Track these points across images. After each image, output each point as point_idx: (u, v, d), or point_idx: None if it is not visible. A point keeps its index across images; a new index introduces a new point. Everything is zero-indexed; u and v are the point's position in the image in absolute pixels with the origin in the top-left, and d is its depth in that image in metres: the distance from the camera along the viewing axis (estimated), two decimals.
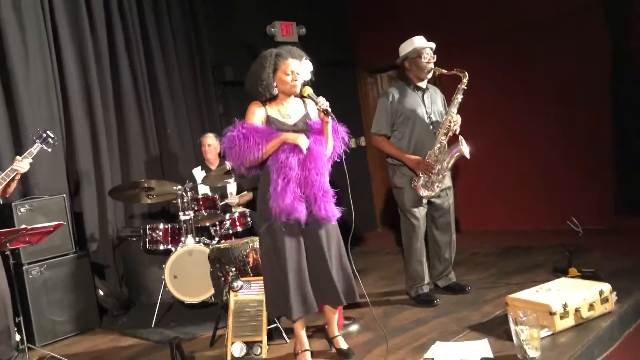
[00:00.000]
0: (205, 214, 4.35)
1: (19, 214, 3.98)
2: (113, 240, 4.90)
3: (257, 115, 2.93)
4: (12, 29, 4.36)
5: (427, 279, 3.81)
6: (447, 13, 6.14)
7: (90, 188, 4.80)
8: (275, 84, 2.93)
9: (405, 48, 3.75)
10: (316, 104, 2.88)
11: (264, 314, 3.20)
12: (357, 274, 2.96)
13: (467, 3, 5.98)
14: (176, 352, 2.90)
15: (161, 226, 4.44)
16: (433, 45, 3.76)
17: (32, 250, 3.98)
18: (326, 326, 3.10)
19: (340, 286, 2.87)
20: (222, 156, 4.94)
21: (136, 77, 5.17)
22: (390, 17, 6.44)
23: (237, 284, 3.30)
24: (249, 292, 3.31)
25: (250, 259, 3.37)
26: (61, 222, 3.38)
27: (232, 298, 3.29)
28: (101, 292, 4.42)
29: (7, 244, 3.22)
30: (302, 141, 2.81)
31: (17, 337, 3.67)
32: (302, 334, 3.02)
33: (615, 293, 3.11)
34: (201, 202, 4.35)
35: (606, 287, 3.03)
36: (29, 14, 4.45)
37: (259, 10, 6.12)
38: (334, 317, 3.06)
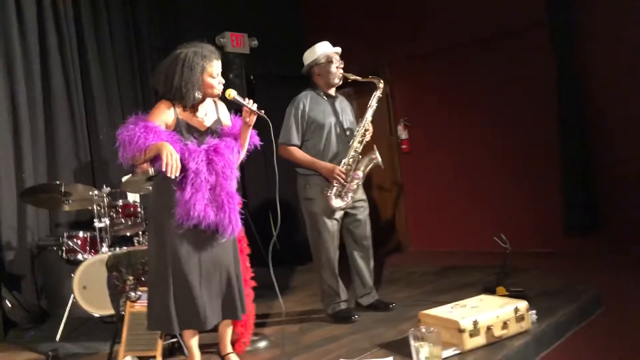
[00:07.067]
0: (124, 222, 4.11)
1: None
2: (32, 249, 4.63)
3: (165, 116, 2.67)
4: None
5: (343, 296, 3.60)
6: (392, 31, 6.11)
7: (10, 193, 4.55)
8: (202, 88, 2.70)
9: (313, 54, 3.60)
10: (244, 106, 2.70)
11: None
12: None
13: (411, 21, 5.95)
14: None
15: (81, 234, 4.20)
16: (339, 50, 3.63)
17: None
18: (219, 343, 2.88)
19: (224, 301, 2.70)
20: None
21: (68, 80, 4.97)
22: (343, 34, 6.34)
23: (135, 294, 3.06)
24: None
25: None
26: None
27: (128, 309, 3.05)
28: (8, 304, 4.13)
29: None
30: (171, 161, 2.45)
31: None
32: (193, 344, 2.79)
33: (534, 312, 2.94)
34: (120, 210, 4.12)
35: (522, 304, 2.85)
36: None
37: (208, 20, 5.99)
38: (226, 332, 2.85)
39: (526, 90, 5.21)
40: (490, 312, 2.76)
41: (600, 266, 4.33)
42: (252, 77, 6.29)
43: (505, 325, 2.76)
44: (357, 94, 6.00)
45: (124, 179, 4.71)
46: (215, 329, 2.81)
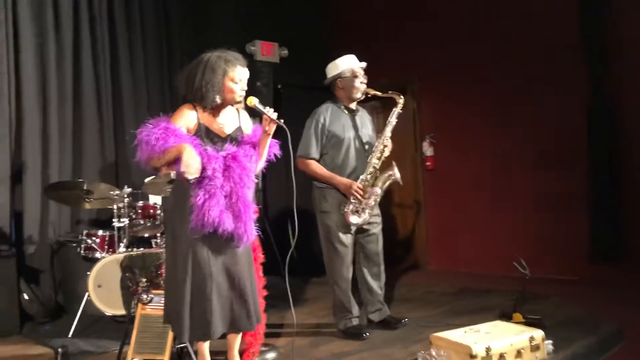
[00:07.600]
0: (143, 224, 4.13)
1: None
2: (53, 244, 4.69)
3: (187, 119, 2.68)
4: None
5: (355, 312, 3.55)
6: (423, 45, 6.10)
7: (35, 188, 4.62)
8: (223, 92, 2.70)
9: (338, 67, 3.58)
10: (264, 114, 2.69)
11: (171, 332, 2.96)
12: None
13: (442, 36, 5.92)
14: None
15: (99, 233, 4.26)
16: (365, 64, 3.61)
17: None
18: (227, 352, 2.85)
19: (238, 311, 2.66)
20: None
21: (99, 80, 5.06)
22: (373, 47, 6.31)
23: (147, 296, 3.06)
24: (159, 306, 3.06)
25: (164, 270, 3.13)
26: None
27: (139, 311, 3.05)
28: (25, 297, 4.17)
29: None
30: (191, 165, 2.50)
31: None
32: (205, 351, 2.78)
33: (550, 342, 2.85)
34: (139, 210, 4.15)
35: (538, 333, 2.77)
36: None
37: (240, 28, 6.04)
38: (235, 341, 2.82)
39: (557, 111, 5.09)
40: (505, 339, 2.69)
41: (625, 298, 4.18)
42: (279, 86, 6.31)
43: (519, 354, 2.69)
44: (383, 106, 5.97)
45: (147, 180, 4.75)
46: (223, 337, 2.79)
